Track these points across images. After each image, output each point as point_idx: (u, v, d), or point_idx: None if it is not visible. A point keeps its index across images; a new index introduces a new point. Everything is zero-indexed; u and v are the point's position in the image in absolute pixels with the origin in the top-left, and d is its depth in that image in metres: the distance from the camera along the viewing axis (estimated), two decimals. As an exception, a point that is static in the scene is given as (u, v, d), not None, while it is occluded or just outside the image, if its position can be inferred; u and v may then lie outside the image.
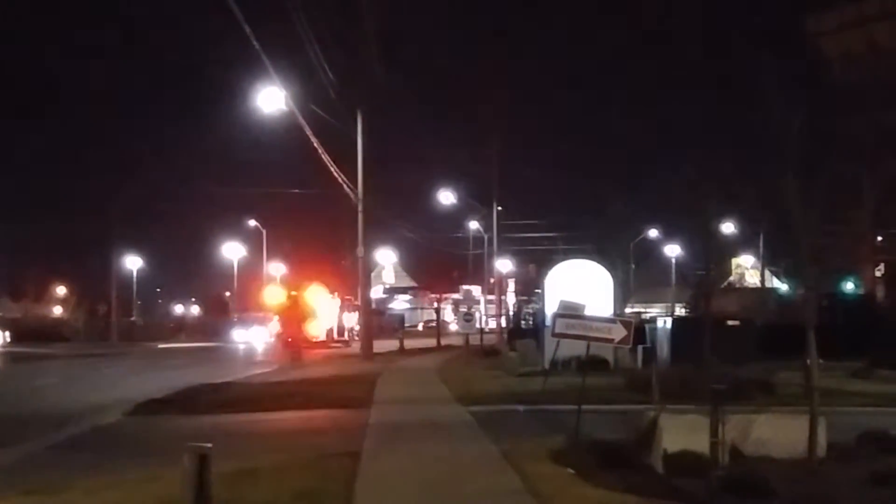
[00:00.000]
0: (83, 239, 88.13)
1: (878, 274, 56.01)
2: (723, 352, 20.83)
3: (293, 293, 60.56)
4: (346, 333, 73.36)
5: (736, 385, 17.28)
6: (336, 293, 70.67)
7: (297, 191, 71.33)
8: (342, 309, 73.46)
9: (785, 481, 12.18)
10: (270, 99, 40.06)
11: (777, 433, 14.13)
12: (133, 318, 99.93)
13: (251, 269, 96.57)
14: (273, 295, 66.09)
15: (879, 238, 55.64)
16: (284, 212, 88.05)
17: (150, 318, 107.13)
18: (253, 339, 74.45)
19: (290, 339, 53.47)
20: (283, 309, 60.00)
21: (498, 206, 73.14)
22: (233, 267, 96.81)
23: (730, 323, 34.08)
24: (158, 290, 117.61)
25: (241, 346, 67.13)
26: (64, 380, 37.44)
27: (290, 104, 39.56)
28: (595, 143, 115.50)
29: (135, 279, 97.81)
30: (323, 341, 60.55)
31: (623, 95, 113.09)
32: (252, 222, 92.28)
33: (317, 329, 54.35)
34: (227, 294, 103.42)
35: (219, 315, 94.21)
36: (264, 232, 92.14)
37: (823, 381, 15.63)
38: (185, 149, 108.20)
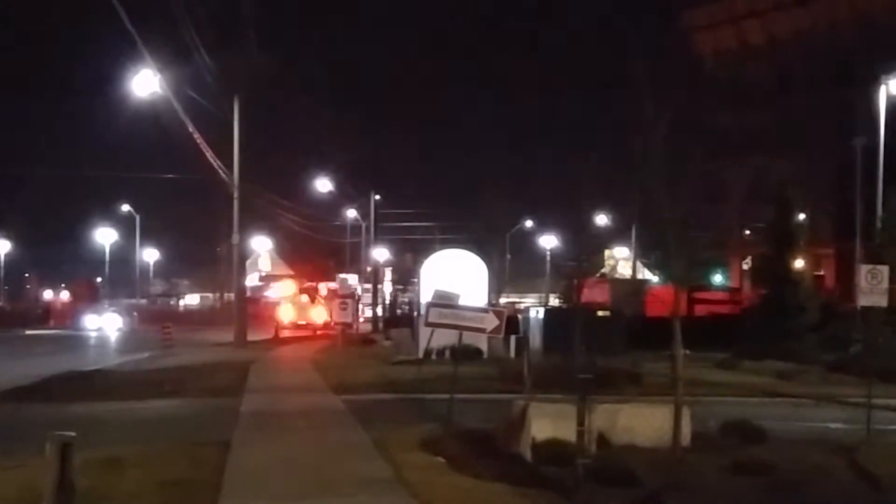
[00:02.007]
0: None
1: (745, 267, 57.54)
2: (593, 342, 21.14)
3: (302, 286, 62.40)
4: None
5: (604, 375, 17.57)
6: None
7: (171, 176, 70.34)
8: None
9: (650, 469, 12.46)
10: (144, 82, 39.16)
11: (643, 422, 14.42)
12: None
13: (124, 255, 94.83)
14: (285, 288, 66.97)
15: (747, 232, 57.20)
16: (159, 197, 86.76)
17: (17, 303, 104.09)
18: (105, 326, 72.42)
19: (299, 325, 56.31)
20: (294, 299, 61.61)
21: (375, 194, 73.04)
22: (105, 252, 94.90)
23: (600, 314, 34.59)
24: (27, 275, 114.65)
25: (93, 334, 65.20)
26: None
27: (165, 88, 38.82)
28: (475, 134, 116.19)
29: (1, 263, 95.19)
30: (324, 326, 61.42)
31: (504, 88, 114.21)
32: (125, 207, 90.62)
33: (320, 316, 59.00)
34: (98, 280, 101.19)
35: (89, 301, 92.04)
36: (137, 217, 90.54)
37: (689, 371, 16.00)
38: (57, 131, 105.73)
